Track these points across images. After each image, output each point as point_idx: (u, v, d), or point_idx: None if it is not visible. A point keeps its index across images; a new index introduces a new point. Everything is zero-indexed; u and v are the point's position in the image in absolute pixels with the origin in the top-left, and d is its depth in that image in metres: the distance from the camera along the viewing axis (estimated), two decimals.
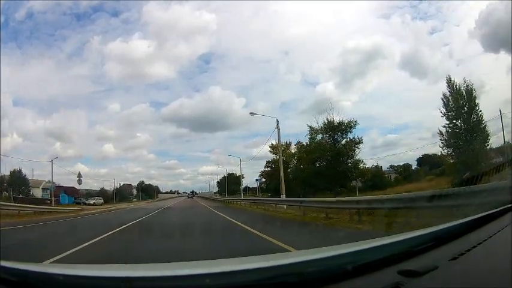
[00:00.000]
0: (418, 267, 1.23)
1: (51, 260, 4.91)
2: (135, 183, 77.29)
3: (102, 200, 46.29)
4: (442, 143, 24.88)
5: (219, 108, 69.13)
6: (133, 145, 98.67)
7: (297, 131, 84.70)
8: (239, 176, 63.42)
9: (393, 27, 55.25)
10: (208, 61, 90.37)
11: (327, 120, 31.26)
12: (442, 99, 24.54)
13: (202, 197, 69.98)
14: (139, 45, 67.12)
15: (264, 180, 35.76)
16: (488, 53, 48.52)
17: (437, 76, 52.02)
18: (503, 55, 37.43)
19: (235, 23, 76.48)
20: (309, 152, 32.67)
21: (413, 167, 42.60)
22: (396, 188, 26.59)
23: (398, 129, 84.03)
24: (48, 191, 42.32)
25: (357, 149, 30.79)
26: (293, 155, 36.99)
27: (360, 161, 31.23)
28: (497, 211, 1.97)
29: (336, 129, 31.16)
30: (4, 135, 49.02)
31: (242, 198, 36.19)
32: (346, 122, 30.98)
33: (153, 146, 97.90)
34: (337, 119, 31.02)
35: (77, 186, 50.36)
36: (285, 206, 17.11)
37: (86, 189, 56.95)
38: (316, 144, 32.32)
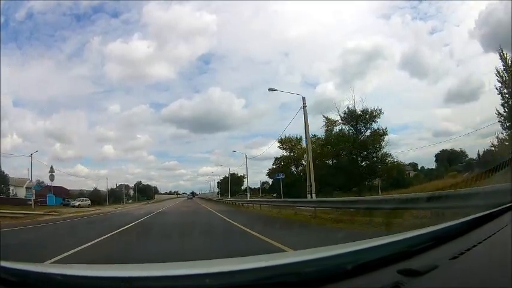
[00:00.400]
0: (418, 267, 1.34)
1: None
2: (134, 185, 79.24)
3: (88, 202, 46.28)
4: (501, 125, 24.15)
5: (219, 109, 72.91)
6: (133, 146, 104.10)
7: (298, 132, 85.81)
8: (240, 176, 64.14)
9: (393, 27, 59.65)
10: (208, 62, 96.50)
11: (348, 109, 30.40)
12: (496, 75, 23.96)
13: (203, 198, 70.82)
14: (139, 46, 71.93)
15: (283, 176, 35.89)
16: (488, 53, 48.82)
17: (437, 76, 53.47)
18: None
19: (235, 24, 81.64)
20: (330, 144, 31.62)
21: (422, 165, 45.51)
22: (423, 186, 26.25)
23: (398, 129, 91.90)
24: (32, 190, 42.88)
25: (382, 142, 29.94)
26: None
27: (387, 154, 30.23)
28: (497, 210, 2.09)
29: (359, 119, 30.16)
30: (4, 135, 50.79)
31: (252, 199, 35.02)
32: (369, 110, 30.11)
33: (153, 147, 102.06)
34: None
35: (67, 187, 51.30)
36: (314, 209, 15.68)
37: (79, 190, 58.05)
38: (336, 136, 31.35)
